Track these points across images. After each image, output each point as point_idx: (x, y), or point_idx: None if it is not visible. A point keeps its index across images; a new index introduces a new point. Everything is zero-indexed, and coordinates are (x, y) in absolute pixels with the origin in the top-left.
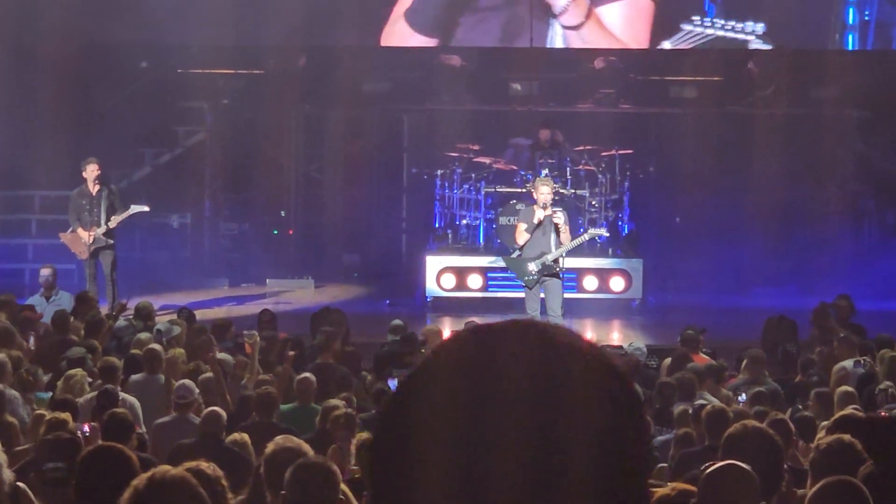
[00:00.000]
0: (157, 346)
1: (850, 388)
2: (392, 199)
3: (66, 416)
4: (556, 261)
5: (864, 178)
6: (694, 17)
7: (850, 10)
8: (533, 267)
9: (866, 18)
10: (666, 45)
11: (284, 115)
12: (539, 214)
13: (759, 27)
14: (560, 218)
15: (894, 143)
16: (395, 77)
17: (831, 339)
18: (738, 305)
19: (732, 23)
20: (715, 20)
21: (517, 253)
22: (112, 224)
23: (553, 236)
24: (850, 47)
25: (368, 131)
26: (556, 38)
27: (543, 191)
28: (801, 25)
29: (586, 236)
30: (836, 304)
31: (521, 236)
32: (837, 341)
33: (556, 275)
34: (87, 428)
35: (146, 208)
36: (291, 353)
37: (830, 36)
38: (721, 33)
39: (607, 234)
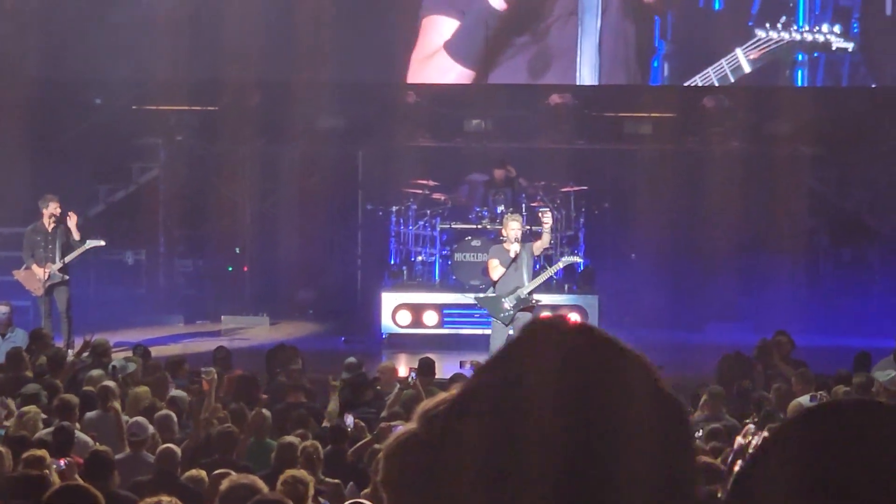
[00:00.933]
0: (110, 383)
1: None
2: (347, 235)
3: (43, 452)
4: (530, 293)
5: (819, 215)
6: (767, 23)
7: None
8: (507, 303)
9: (815, 55)
10: (738, 52)
11: (239, 151)
12: (514, 249)
13: (837, 27)
14: (549, 219)
15: (847, 179)
16: (350, 113)
17: (776, 376)
18: (694, 341)
19: (807, 26)
20: (791, 24)
21: (490, 290)
22: (68, 259)
23: (525, 271)
24: (800, 83)
25: (323, 168)
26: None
27: (513, 226)
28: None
29: (560, 264)
30: (777, 341)
31: (496, 271)
32: (795, 377)
33: (530, 308)
34: (63, 463)
35: (102, 243)
36: (265, 395)
37: (781, 73)
38: (798, 37)
39: (581, 259)
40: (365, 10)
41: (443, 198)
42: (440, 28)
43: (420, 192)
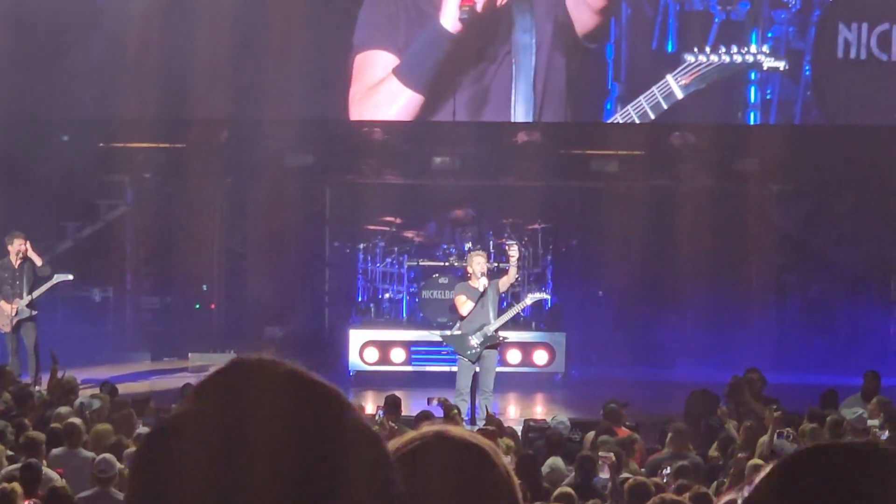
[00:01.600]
0: (76, 420)
1: (759, 461)
2: (314, 272)
3: (14, 485)
4: (496, 331)
5: (786, 252)
6: (695, 48)
7: (753, 89)
8: (474, 341)
9: (768, 97)
10: (669, 78)
11: (206, 188)
12: (481, 285)
13: (765, 47)
14: (515, 252)
15: (814, 217)
16: (318, 150)
17: (748, 413)
18: (662, 378)
19: (735, 47)
20: (719, 46)
21: (456, 328)
22: (36, 294)
23: (491, 308)
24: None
25: (291, 205)
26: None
27: (478, 261)
28: (706, 103)
29: (527, 301)
30: (748, 378)
31: (464, 308)
32: (767, 414)
33: (496, 345)
34: None
35: (69, 277)
36: None
37: (733, 114)
38: (727, 59)
39: (547, 296)
40: (331, 47)
41: (410, 235)
42: (380, 62)
43: (387, 229)
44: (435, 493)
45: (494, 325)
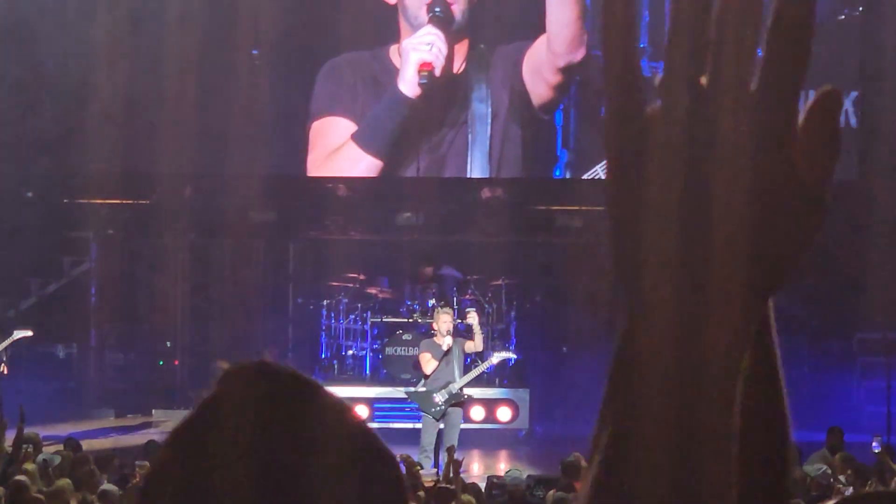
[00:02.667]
0: (23, 479)
1: None
2: (278, 328)
3: None
4: (461, 389)
5: None
6: None
7: None
8: (439, 398)
9: None
10: None
11: (171, 244)
12: (446, 342)
13: None
14: (474, 318)
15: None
16: (282, 206)
17: None
18: None
19: None
20: None
21: (421, 384)
22: None
23: (456, 365)
24: None
25: (255, 261)
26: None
27: (444, 319)
28: None
29: (494, 359)
30: None
31: (429, 365)
32: None
33: (461, 403)
34: None
35: (29, 333)
36: None
37: None
38: None
39: (513, 356)
40: (294, 106)
41: (374, 291)
42: (339, 128)
43: (351, 285)
44: None
45: (459, 382)
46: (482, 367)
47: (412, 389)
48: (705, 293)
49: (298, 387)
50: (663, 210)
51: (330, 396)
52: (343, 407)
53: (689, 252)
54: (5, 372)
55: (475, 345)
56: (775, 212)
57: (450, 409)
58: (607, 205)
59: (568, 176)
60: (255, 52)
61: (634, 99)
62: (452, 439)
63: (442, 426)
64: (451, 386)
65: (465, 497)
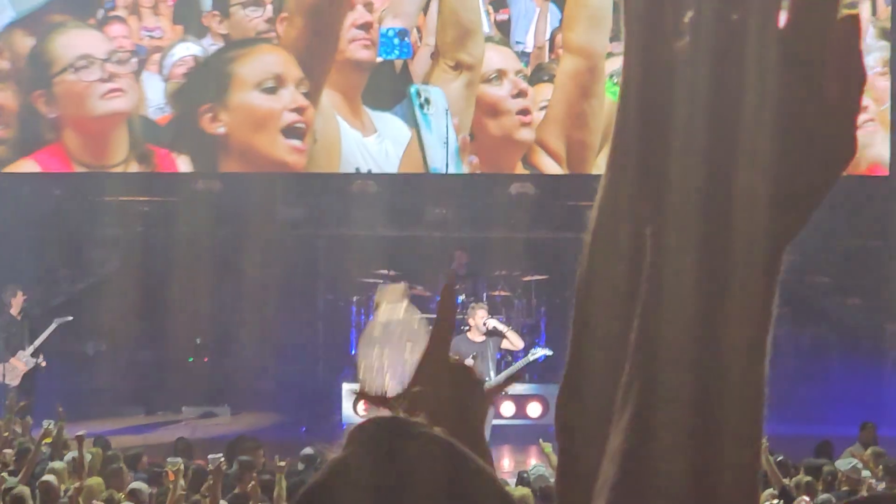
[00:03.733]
0: (51, 479)
1: None
2: (307, 325)
3: None
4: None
5: (779, 301)
6: None
7: None
8: None
9: None
10: None
11: (199, 241)
12: (480, 339)
13: None
14: (484, 315)
15: (806, 265)
16: (310, 203)
17: None
18: None
19: None
20: None
21: None
22: (37, 343)
23: (491, 362)
24: None
25: (283, 258)
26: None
27: (481, 314)
28: None
29: (530, 358)
30: None
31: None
32: (769, 466)
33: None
34: None
35: (69, 318)
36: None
37: None
38: None
39: (550, 353)
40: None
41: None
42: None
43: (381, 281)
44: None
45: (494, 381)
46: (517, 367)
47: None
48: (727, 258)
49: (436, 447)
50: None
51: (471, 459)
52: (480, 468)
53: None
54: (43, 364)
55: (514, 344)
56: (806, 143)
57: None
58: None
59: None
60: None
61: None
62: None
63: None
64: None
65: (520, 490)
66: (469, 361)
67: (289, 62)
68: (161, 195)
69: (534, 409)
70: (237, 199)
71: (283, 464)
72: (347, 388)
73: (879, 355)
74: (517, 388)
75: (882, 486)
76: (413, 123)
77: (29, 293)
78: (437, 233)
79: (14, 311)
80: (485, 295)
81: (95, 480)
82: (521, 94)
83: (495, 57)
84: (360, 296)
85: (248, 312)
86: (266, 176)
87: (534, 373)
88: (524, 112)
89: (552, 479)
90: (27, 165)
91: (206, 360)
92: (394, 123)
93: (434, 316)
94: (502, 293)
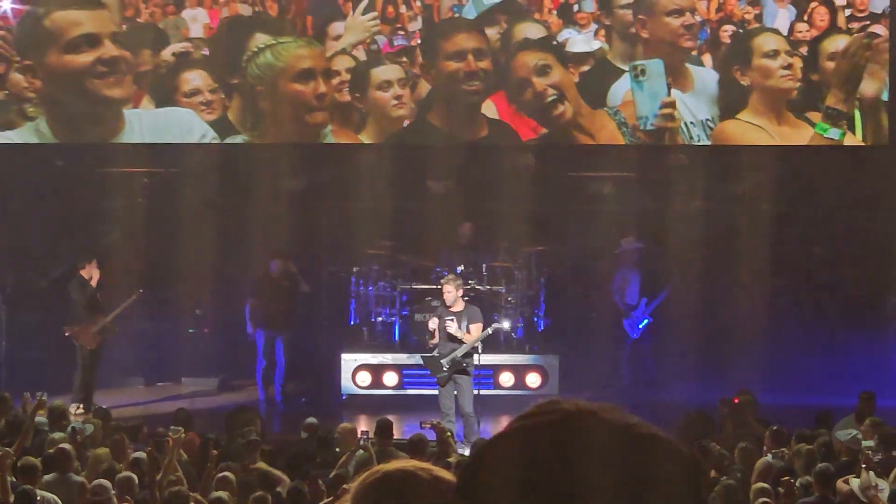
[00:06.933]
0: (67, 446)
1: (764, 485)
2: (309, 296)
3: None
4: (466, 357)
5: (780, 272)
6: None
7: None
8: (445, 365)
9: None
10: None
11: (200, 213)
12: (457, 309)
13: None
14: (451, 327)
15: (808, 236)
16: (311, 174)
17: (746, 435)
18: (655, 400)
19: None
20: None
21: (436, 351)
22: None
23: (461, 334)
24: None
25: (284, 228)
26: None
27: (448, 289)
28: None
29: (489, 330)
30: (740, 400)
31: (450, 325)
32: (770, 433)
33: (465, 372)
34: None
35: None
36: (215, 451)
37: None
38: None
39: (503, 326)
40: None
41: (405, 258)
42: None
43: (382, 252)
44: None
45: (461, 350)
46: (480, 337)
47: (427, 355)
48: None
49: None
50: None
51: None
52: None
53: None
54: (117, 331)
55: (470, 336)
56: None
57: (457, 375)
58: None
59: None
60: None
61: None
62: (464, 405)
63: (455, 392)
64: (454, 353)
65: None
66: (452, 327)
67: None
68: (162, 166)
69: (532, 380)
70: (238, 170)
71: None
72: (346, 357)
73: (880, 326)
74: (517, 359)
75: (879, 456)
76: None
77: (30, 265)
78: (438, 204)
79: (93, 281)
80: (484, 266)
81: (103, 451)
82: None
83: None
84: (360, 266)
85: (249, 284)
86: (268, 147)
87: (534, 343)
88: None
89: None
90: None
91: (206, 331)
92: None
93: (431, 286)
94: (502, 264)
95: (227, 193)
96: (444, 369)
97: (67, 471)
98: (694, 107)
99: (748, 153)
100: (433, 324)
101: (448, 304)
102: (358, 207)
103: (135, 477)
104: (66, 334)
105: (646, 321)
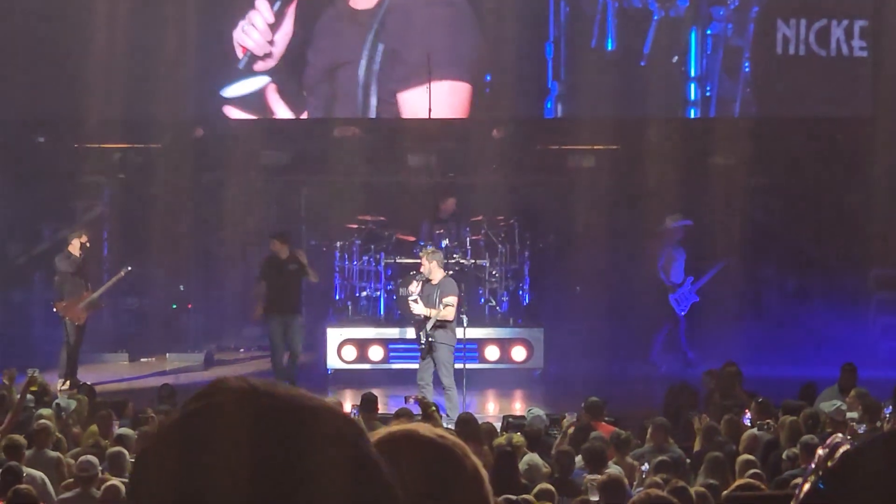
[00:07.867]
0: (48, 422)
1: (750, 457)
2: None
3: None
4: (435, 330)
5: (764, 246)
6: None
7: (692, 87)
8: (422, 336)
9: (707, 94)
10: None
11: (182, 188)
12: (435, 280)
13: None
14: (416, 308)
15: (791, 210)
16: (293, 148)
17: (732, 406)
18: (640, 374)
19: None
20: None
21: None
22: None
23: (438, 303)
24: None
25: (266, 203)
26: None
27: (423, 262)
28: (644, 100)
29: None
30: (727, 371)
31: (413, 307)
32: (756, 403)
33: (433, 346)
34: None
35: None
36: None
37: (673, 112)
38: None
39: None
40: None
41: (387, 232)
42: None
43: (364, 227)
44: (405, 492)
45: (430, 323)
46: (434, 314)
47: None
48: None
49: (293, 410)
50: None
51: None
52: (341, 433)
53: None
54: (102, 306)
55: (435, 313)
56: None
57: (437, 345)
58: None
59: (560, 112)
60: None
61: None
62: (442, 378)
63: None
64: (427, 325)
65: (517, 438)
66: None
67: None
68: (144, 141)
69: (518, 353)
70: (220, 144)
71: None
72: (332, 332)
73: (863, 298)
74: (502, 333)
75: (863, 427)
76: None
77: (12, 242)
78: (420, 178)
79: (76, 252)
80: (468, 240)
81: (93, 428)
82: None
83: None
84: (343, 241)
85: (232, 258)
86: (249, 122)
87: (518, 317)
88: None
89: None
90: None
91: (189, 306)
92: None
93: (415, 260)
94: (486, 238)
95: (208, 168)
96: (422, 340)
97: (44, 447)
98: None
99: (730, 126)
100: (414, 287)
101: (427, 276)
102: (340, 181)
103: (126, 452)
104: (55, 310)
105: (694, 299)
